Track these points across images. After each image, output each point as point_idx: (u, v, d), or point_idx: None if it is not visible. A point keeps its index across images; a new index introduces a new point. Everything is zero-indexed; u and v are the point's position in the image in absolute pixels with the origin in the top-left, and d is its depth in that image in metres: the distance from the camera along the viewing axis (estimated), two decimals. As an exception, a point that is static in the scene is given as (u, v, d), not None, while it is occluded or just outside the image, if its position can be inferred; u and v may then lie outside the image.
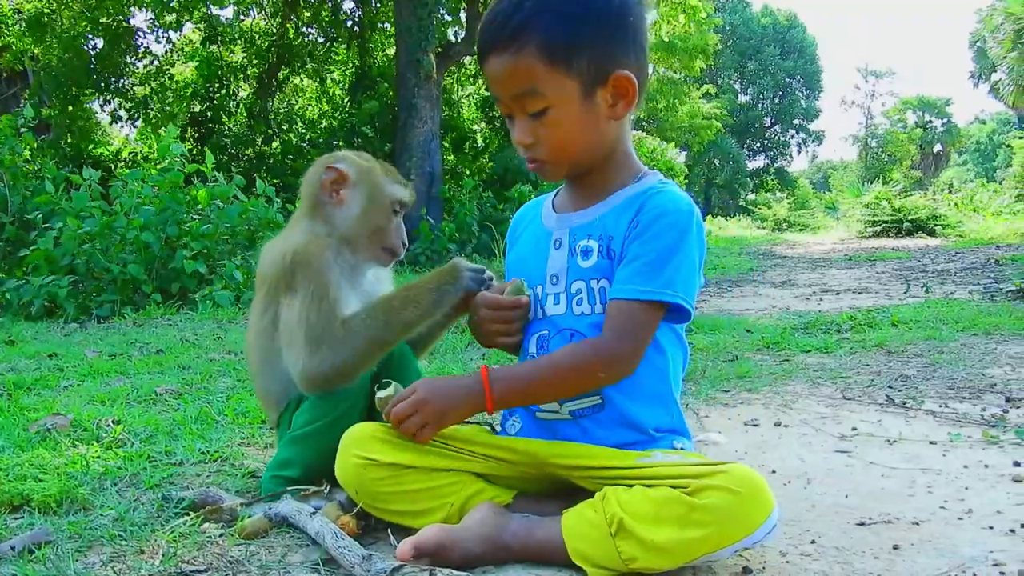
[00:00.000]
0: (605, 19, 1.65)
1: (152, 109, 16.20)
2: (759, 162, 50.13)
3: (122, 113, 16.48)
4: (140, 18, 15.73)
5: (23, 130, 8.60)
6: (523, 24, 1.61)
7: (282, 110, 17.56)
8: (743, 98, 49.38)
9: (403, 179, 2.15)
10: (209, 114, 16.45)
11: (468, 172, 14.86)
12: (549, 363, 1.70)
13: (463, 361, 3.96)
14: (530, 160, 1.75)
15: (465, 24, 14.61)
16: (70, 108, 15.17)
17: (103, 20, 15.04)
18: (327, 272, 1.93)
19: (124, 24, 15.42)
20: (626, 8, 1.68)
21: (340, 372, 1.89)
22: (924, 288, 6.89)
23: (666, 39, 19.21)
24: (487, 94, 16.00)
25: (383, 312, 1.91)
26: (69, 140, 14.94)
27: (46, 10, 14.81)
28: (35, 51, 15.08)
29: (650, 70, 1.87)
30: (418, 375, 2.07)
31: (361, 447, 1.74)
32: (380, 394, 1.75)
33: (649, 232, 1.67)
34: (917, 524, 1.80)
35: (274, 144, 16.46)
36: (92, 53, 15.42)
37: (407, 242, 2.15)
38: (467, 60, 15.82)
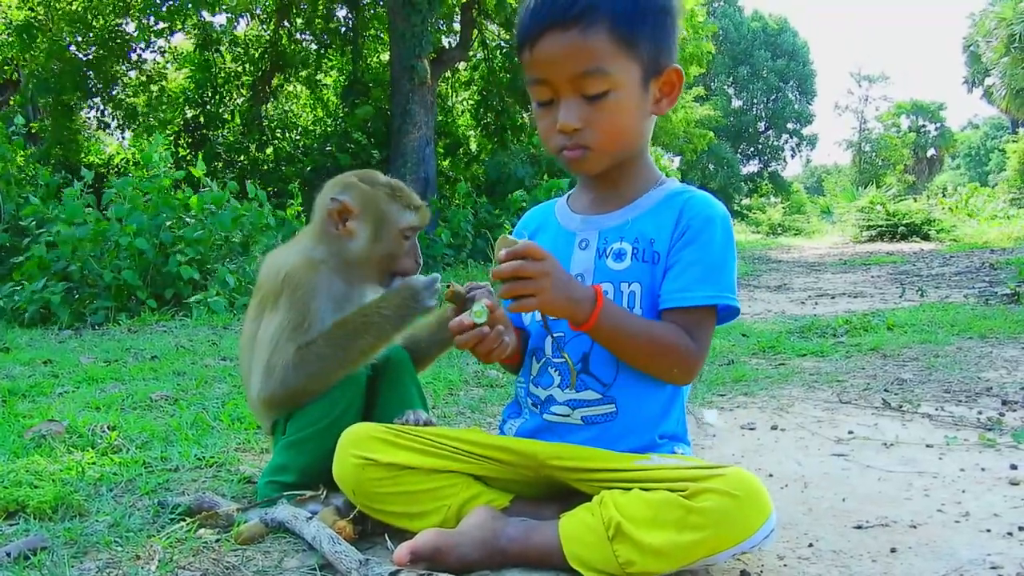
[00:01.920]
0: (663, 10, 1.67)
1: (145, 116, 16.16)
2: (753, 167, 50.09)
3: (113, 122, 16.46)
4: (132, 26, 15.61)
5: (15, 137, 8.58)
6: (593, 2, 1.59)
7: (276, 116, 17.54)
8: (736, 103, 49.36)
9: (414, 200, 2.08)
10: (202, 120, 16.42)
11: (462, 178, 14.85)
12: (648, 329, 1.66)
13: (459, 366, 3.96)
14: (572, 147, 1.67)
15: (459, 30, 14.63)
16: (59, 116, 15.09)
17: (95, 25, 14.97)
18: (311, 300, 1.94)
19: (117, 31, 15.37)
20: (676, 5, 1.70)
21: (292, 397, 1.91)
22: (919, 292, 6.91)
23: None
24: (479, 99, 16.01)
25: (340, 337, 1.90)
26: (59, 148, 14.86)
27: (37, 17, 14.75)
28: (24, 58, 14.99)
29: None
30: (416, 384, 2.07)
31: (359, 447, 1.73)
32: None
33: (703, 237, 1.70)
34: (914, 527, 1.80)
35: (267, 151, 16.45)
36: (84, 61, 15.35)
37: (420, 260, 2.11)
38: (461, 66, 15.84)
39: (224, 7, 14.58)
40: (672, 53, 1.70)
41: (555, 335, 1.77)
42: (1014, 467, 2.21)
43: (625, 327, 1.65)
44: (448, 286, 1.79)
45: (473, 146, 16.54)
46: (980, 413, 2.82)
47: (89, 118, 17.08)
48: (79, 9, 14.90)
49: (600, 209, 1.81)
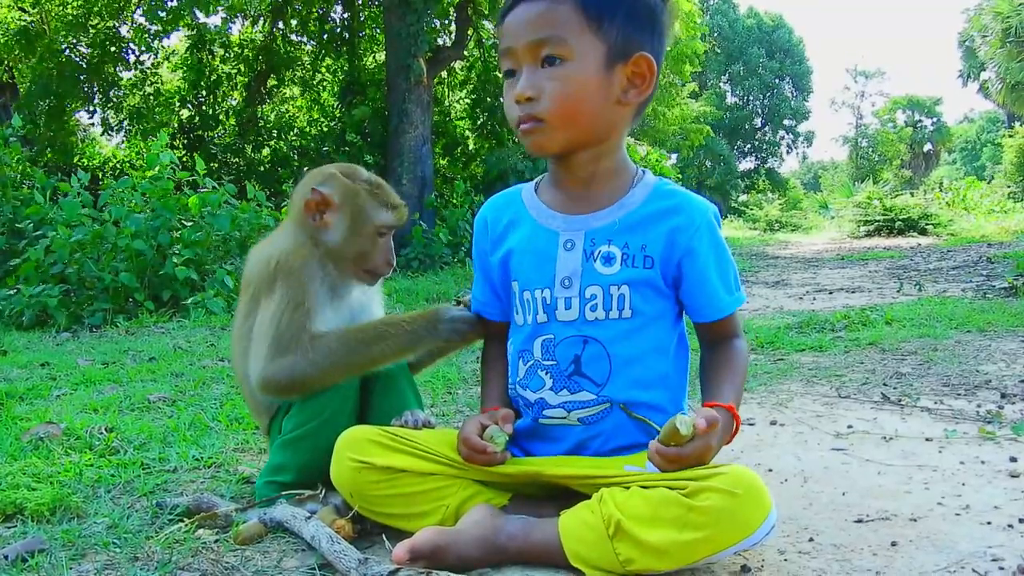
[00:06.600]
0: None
1: (141, 118, 16.13)
2: (750, 163, 50.13)
3: (99, 122, 16.47)
4: (127, 28, 15.58)
5: (11, 140, 8.56)
6: None
7: (272, 117, 17.51)
8: (732, 99, 49.39)
9: (393, 199, 2.06)
10: (198, 121, 16.40)
11: (460, 177, 14.82)
12: (740, 379, 1.85)
13: (457, 364, 3.95)
14: (526, 119, 1.66)
15: (454, 30, 14.61)
16: (53, 120, 15.05)
17: (93, 25, 14.93)
18: (308, 282, 1.92)
19: (113, 33, 15.34)
20: (658, 2, 1.70)
21: (297, 383, 1.88)
22: (917, 286, 6.90)
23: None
24: (475, 98, 15.99)
25: (356, 340, 1.89)
26: (53, 151, 14.83)
27: (33, 20, 14.71)
28: (20, 62, 14.96)
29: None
30: (411, 383, 2.06)
31: (356, 450, 1.72)
32: (682, 428, 1.53)
33: (716, 246, 1.76)
34: (915, 520, 1.80)
35: (263, 152, 16.42)
36: (80, 64, 15.31)
37: (394, 261, 2.09)
38: (457, 65, 15.81)
39: (220, 6, 14.55)
40: (646, 44, 1.67)
41: (544, 338, 1.77)
42: (1014, 459, 2.21)
43: (740, 397, 1.83)
44: (457, 302, 1.81)
45: (471, 145, 16.51)
46: (979, 406, 2.82)
47: (83, 120, 17.08)
48: (75, 12, 14.86)
49: (583, 208, 1.77)
